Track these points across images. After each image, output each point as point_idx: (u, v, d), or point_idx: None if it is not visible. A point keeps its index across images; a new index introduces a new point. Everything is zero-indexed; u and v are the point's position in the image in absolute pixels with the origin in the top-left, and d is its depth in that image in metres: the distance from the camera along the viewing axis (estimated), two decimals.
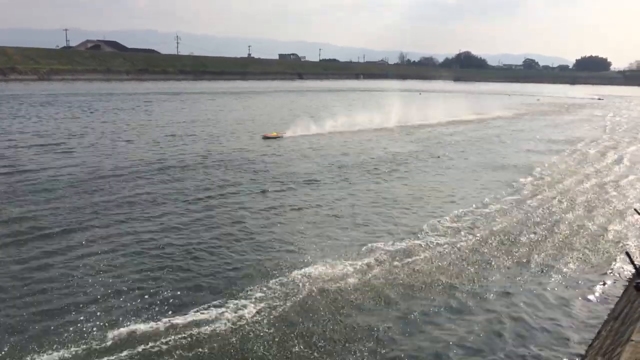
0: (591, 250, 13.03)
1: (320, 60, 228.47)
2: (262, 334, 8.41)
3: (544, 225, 14.77)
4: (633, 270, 6.10)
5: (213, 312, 8.96)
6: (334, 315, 9.16)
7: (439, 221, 14.71)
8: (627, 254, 4.11)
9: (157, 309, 9.05)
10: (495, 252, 12.54)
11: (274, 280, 10.30)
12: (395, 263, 11.50)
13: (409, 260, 11.72)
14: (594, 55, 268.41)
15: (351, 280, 10.49)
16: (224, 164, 21.95)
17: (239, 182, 18.78)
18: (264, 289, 9.92)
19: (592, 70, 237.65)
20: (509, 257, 12.26)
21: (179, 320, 8.65)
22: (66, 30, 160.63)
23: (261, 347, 8.05)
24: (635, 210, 6.96)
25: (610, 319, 9.10)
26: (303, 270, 10.82)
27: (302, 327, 8.70)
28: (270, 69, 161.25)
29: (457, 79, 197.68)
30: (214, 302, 9.31)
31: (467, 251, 12.52)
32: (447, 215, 15.37)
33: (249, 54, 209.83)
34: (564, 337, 8.77)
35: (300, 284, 10.16)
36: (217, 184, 18.43)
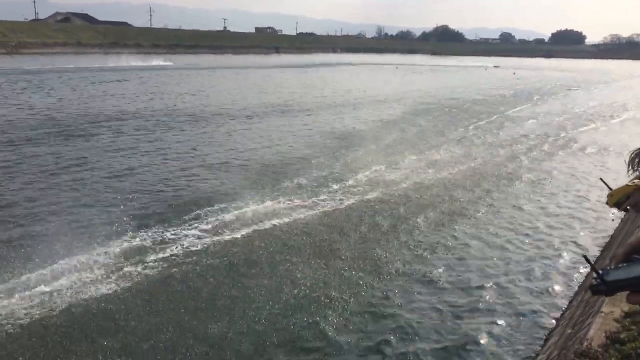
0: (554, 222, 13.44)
1: (297, 33, 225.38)
2: None
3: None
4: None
5: None
6: None
7: None
8: (585, 257, 4.01)
9: None
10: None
11: None
12: None
13: None
14: (569, 29, 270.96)
15: None
16: None
17: None
18: None
19: (567, 44, 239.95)
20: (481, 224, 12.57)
21: None
22: (34, 1, 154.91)
23: None
24: (601, 179, 7.05)
25: (581, 289, 9.33)
26: None
27: None
28: (247, 43, 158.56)
29: (434, 52, 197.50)
30: None
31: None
32: None
33: (225, 27, 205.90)
34: (535, 306, 8.95)
35: None
36: None
